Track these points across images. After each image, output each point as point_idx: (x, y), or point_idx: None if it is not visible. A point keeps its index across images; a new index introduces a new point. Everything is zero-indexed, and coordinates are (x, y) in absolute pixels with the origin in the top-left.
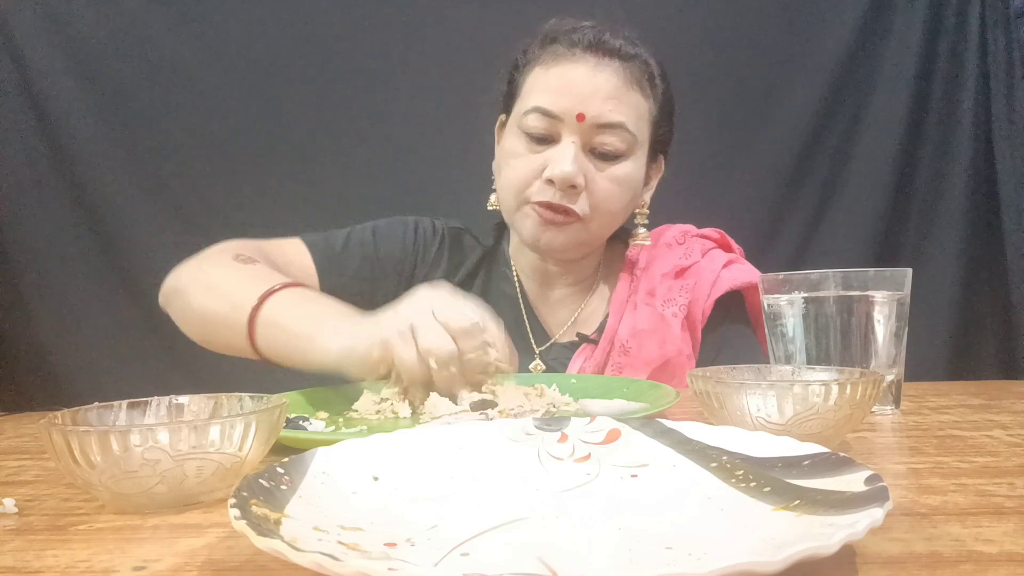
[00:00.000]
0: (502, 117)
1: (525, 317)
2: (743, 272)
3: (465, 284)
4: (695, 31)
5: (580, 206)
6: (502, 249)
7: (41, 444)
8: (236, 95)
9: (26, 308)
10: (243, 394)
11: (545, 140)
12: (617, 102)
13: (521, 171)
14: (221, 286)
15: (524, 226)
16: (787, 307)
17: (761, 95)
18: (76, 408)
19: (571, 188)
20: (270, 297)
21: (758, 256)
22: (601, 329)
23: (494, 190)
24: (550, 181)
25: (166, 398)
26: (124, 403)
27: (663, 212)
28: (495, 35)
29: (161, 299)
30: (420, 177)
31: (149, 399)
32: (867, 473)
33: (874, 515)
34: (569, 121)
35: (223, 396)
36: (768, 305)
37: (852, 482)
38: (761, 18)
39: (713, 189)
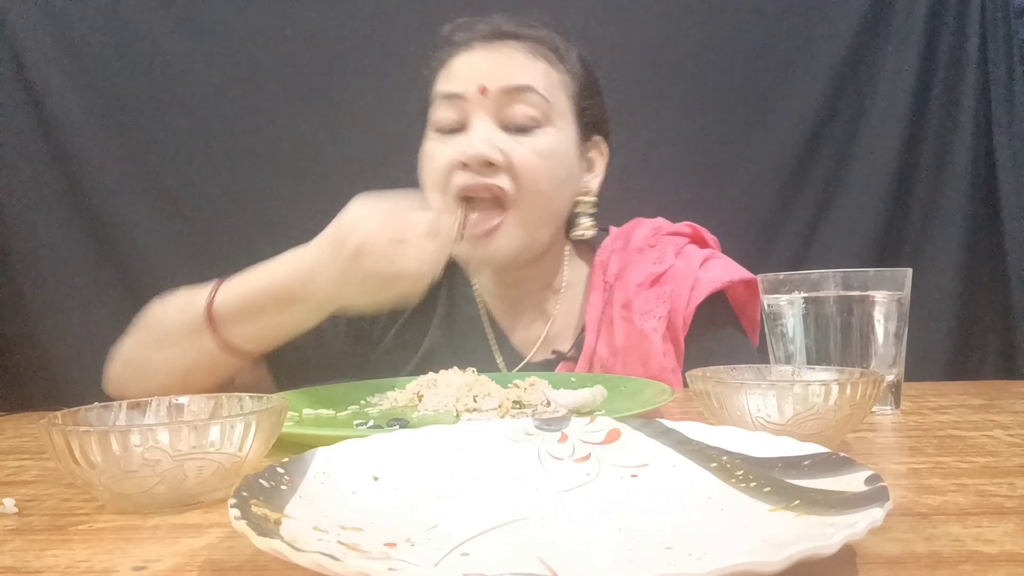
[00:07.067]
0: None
1: (493, 337)
2: (722, 270)
3: (425, 311)
4: (695, 32)
5: (503, 182)
6: (460, 267)
7: (41, 444)
8: (236, 95)
9: (26, 308)
10: (243, 394)
11: (456, 130)
12: (522, 67)
13: (435, 164)
14: (166, 313)
15: (459, 247)
16: (787, 307)
17: (761, 96)
18: (76, 408)
19: (489, 167)
20: (221, 285)
21: (758, 256)
22: (578, 345)
23: None
24: (464, 165)
25: (166, 398)
26: (124, 403)
27: (664, 213)
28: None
29: (114, 390)
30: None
31: (149, 399)
32: (867, 473)
33: (874, 515)
34: (474, 98)
35: (223, 396)
36: (768, 305)
37: (852, 482)
38: (761, 19)
39: (713, 189)
